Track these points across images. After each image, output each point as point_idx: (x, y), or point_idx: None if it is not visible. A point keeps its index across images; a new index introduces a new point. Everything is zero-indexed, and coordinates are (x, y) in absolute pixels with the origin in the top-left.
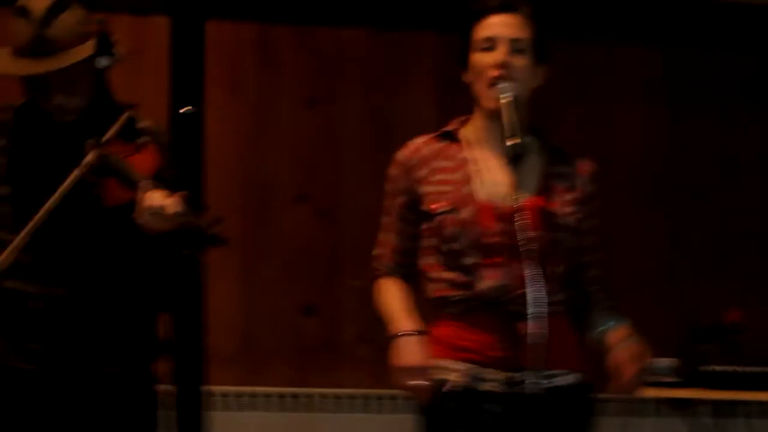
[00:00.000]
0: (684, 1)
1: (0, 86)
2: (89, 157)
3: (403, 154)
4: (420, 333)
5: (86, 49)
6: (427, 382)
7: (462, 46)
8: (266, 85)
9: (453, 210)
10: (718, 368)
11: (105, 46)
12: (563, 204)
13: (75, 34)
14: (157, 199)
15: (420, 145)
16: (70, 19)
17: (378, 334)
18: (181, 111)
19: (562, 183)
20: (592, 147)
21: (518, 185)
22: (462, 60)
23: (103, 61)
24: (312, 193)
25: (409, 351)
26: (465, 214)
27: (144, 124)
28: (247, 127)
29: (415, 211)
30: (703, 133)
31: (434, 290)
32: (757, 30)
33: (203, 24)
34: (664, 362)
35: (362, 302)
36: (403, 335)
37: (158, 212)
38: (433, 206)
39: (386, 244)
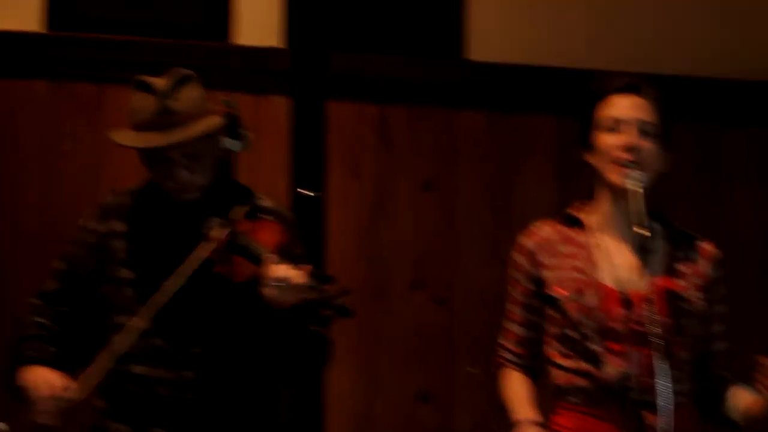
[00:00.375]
0: None
1: (121, 169)
2: (218, 234)
3: (527, 239)
4: (540, 423)
5: (211, 123)
6: None
7: (584, 125)
8: (384, 166)
9: (578, 295)
10: None
11: (234, 128)
12: (690, 288)
13: (198, 108)
14: (282, 270)
15: (544, 229)
16: (192, 94)
17: (493, 423)
18: (300, 191)
19: (688, 267)
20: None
21: (644, 270)
22: (583, 140)
23: (233, 144)
24: (428, 277)
25: None
26: (590, 299)
27: (266, 203)
28: (366, 210)
29: (539, 298)
30: None
31: (557, 377)
32: None
33: (323, 104)
34: None
35: (477, 390)
36: (524, 421)
37: (284, 283)
38: (558, 291)
39: (510, 333)
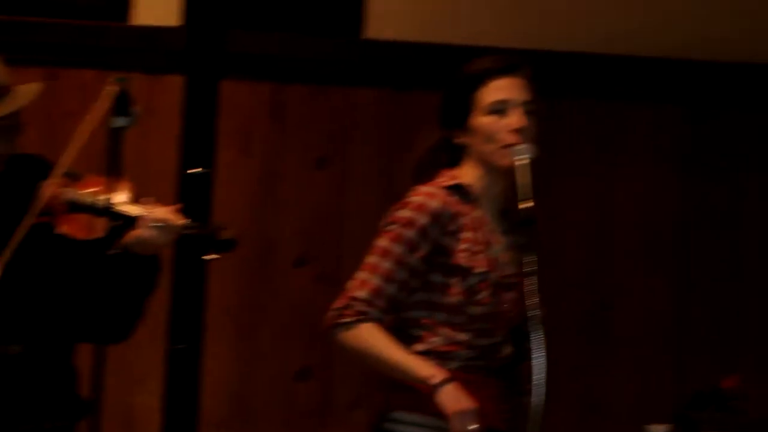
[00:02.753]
0: (696, 62)
1: None
2: (51, 196)
3: (435, 203)
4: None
5: (34, 91)
6: (478, 426)
7: (461, 108)
8: (277, 144)
9: (487, 273)
10: None
11: (123, 105)
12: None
13: (8, 78)
14: (161, 211)
15: (446, 197)
16: (1, 65)
17: (371, 399)
18: (190, 171)
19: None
20: (597, 208)
21: (513, 250)
22: (457, 121)
23: (120, 121)
24: (315, 255)
25: (461, 396)
26: (495, 278)
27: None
28: (255, 188)
29: (429, 265)
30: (713, 196)
31: (434, 344)
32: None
33: (217, 83)
34: (661, 428)
35: (357, 367)
36: (445, 380)
37: (163, 223)
38: (472, 265)
39: (378, 289)
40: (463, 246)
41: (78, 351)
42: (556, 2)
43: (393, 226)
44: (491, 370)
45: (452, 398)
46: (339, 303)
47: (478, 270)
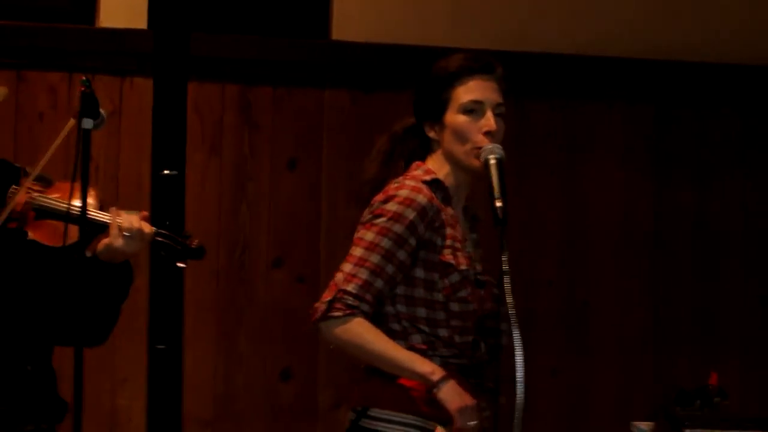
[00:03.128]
0: (669, 61)
1: None
2: (19, 200)
3: (422, 198)
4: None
5: (2, 93)
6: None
7: (434, 104)
8: (247, 146)
9: (468, 270)
10: None
11: (90, 108)
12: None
13: None
14: (129, 220)
15: (429, 192)
16: None
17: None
18: (165, 173)
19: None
20: (573, 209)
21: (501, 249)
22: (432, 115)
23: (87, 123)
24: (290, 256)
25: (462, 392)
26: (471, 276)
27: (29, 169)
28: (227, 191)
29: (413, 259)
30: (687, 197)
31: (419, 342)
32: (740, 90)
33: (184, 85)
34: (646, 426)
35: (339, 367)
36: (444, 377)
37: (131, 232)
38: (456, 262)
39: (367, 283)
40: (447, 242)
41: (59, 353)
42: (525, 3)
43: (380, 219)
44: (467, 369)
45: (454, 394)
46: (327, 296)
47: (461, 267)
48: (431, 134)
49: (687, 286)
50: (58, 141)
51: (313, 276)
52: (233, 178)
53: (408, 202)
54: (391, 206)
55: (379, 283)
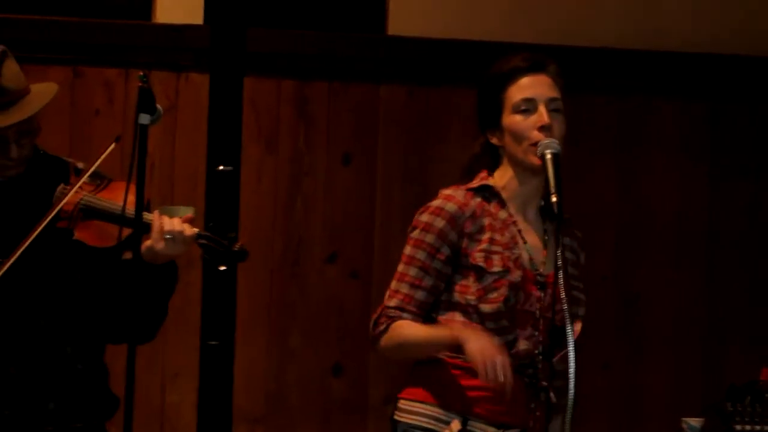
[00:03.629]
0: (724, 56)
1: None
2: (70, 200)
3: (447, 203)
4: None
5: (47, 94)
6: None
7: (492, 108)
8: (303, 141)
9: (505, 272)
10: (749, 428)
11: (147, 103)
12: (576, 274)
13: (23, 82)
14: (171, 223)
15: (466, 199)
16: (15, 68)
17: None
18: (221, 169)
19: (572, 254)
20: (628, 204)
21: (547, 252)
22: (490, 121)
23: (144, 118)
24: (345, 252)
25: (489, 346)
26: (515, 277)
27: (81, 165)
28: (283, 186)
29: (452, 266)
30: (742, 191)
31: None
32: None
33: (241, 80)
34: (696, 421)
35: (391, 364)
36: (467, 330)
37: (174, 235)
38: (487, 265)
39: (410, 298)
40: (481, 246)
41: (111, 349)
42: None
43: (415, 232)
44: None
45: (480, 349)
46: (375, 315)
47: (494, 269)
48: (494, 141)
49: (740, 281)
50: (104, 155)
51: (367, 271)
52: (288, 174)
53: (437, 212)
54: (423, 217)
55: (419, 295)
